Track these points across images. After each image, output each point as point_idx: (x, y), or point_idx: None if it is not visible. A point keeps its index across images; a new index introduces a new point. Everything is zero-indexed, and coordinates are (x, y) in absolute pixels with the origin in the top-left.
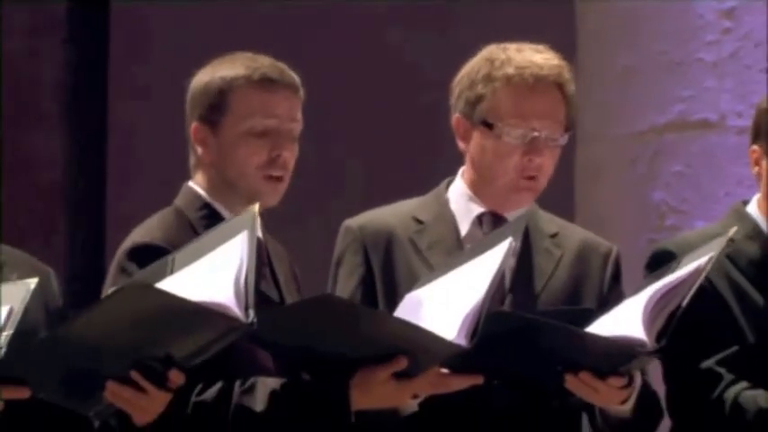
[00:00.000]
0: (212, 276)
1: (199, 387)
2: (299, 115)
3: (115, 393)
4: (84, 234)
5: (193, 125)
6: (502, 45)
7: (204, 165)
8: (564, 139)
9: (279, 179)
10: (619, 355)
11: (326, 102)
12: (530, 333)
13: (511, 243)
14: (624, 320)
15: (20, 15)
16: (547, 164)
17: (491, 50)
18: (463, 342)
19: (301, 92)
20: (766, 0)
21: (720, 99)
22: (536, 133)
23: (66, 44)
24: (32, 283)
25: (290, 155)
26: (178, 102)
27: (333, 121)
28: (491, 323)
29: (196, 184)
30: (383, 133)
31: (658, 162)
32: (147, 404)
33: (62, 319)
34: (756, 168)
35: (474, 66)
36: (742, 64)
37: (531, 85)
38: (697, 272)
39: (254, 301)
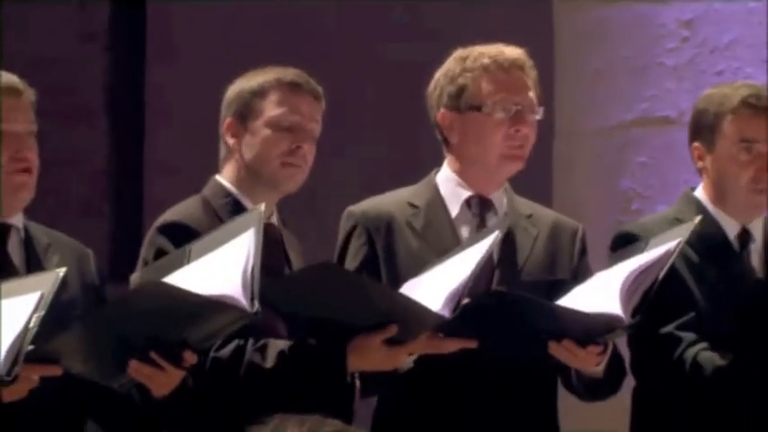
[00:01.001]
0: (222, 269)
1: (217, 344)
2: (319, 119)
3: (137, 370)
4: (125, 216)
5: (227, 120)
6: (467, 48)
7: (233, 156)
8: (540, 113)
9: (297, 167)
10: (599, 328)
11: (344, 106)
12: (522, 308)
13: (497, 235)
14: (603, 297)
15: (69, 28)
16: (531, 133)
17: (459, 53)
18: (447, 313)
19: (323, 101)
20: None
21: (679, 99)
22: (518, 106)
23: (108, 51)
24: (61, 271)
25: (309, 150)
26: (207, 99)
27: (349, 126)
28: (490, 298)
29: (223, 178)
30: (388, 132)
31: (625, 154)
32: (165, 380)
33: (97, 296)
34: (700, 163)
35: (448, 67)
36: (698, 69)
37: (506, 67)
38: (667, 254)
39: (258, 291)
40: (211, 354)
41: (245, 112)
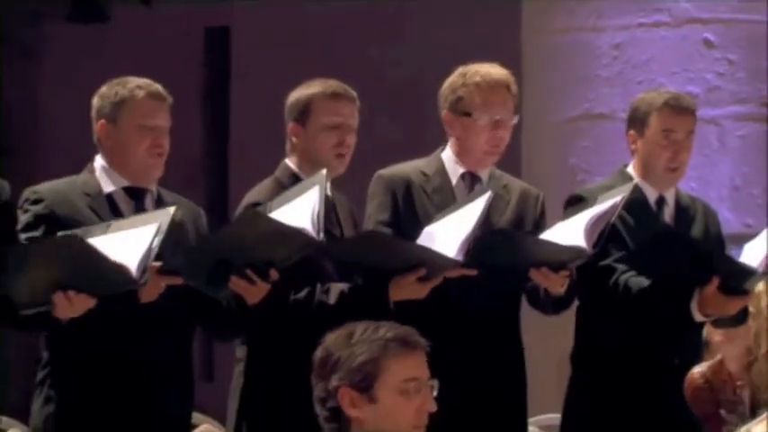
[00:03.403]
0: (297, 212)
1: (295, 289)
2: (356, 115)
3: (235, 283)
4: (215, 188)
5: (290, 125)
6: (469, 65)
7: (296, 149)
8: (515, 120)
9: (344, 156)
10: (569, 256)
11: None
12: (515, 242)
13: (490, 194)
14: (570, 236)
15: (177, 50)
16: (506, 136)
17: (461, 69)
18: (460, 258)
19: (357, 101)
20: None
21: (612, 101)
22: (497, 117)
23: (203, 67)
24: (172, 209)
25: (351, 139)
26: (272, 101)
27: (382, 108)
28: (494, 235)
29: (290, 162)
30: (408, 115)
31: (574, 140)
32: (255, 291)
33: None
34: (633, 146)
35: (452, 79)
36: (625, 79)
37: (491, 86)
38: (614, 206)
39: (323, 227)
40: (291, 297)
41: (302, 118)
